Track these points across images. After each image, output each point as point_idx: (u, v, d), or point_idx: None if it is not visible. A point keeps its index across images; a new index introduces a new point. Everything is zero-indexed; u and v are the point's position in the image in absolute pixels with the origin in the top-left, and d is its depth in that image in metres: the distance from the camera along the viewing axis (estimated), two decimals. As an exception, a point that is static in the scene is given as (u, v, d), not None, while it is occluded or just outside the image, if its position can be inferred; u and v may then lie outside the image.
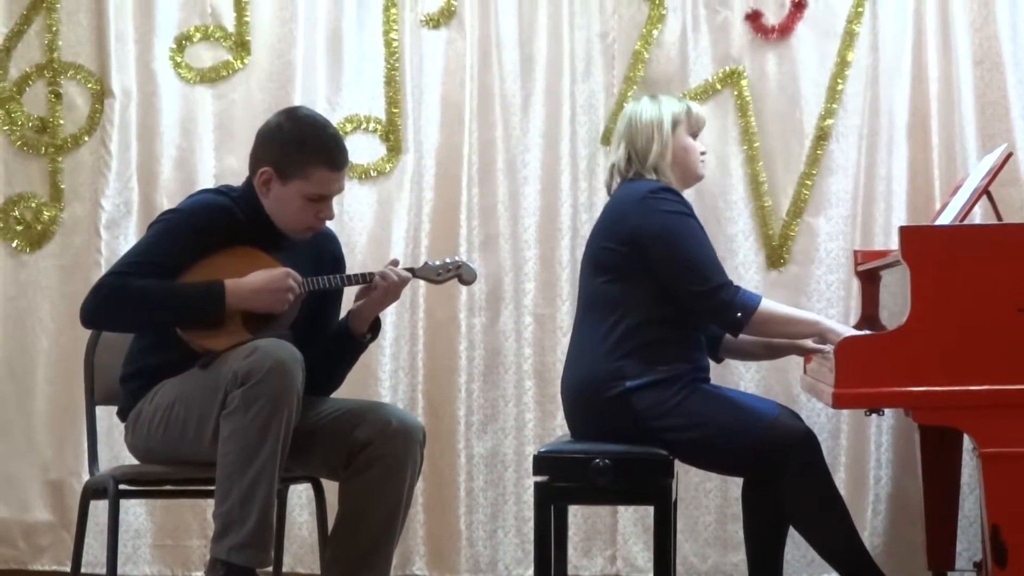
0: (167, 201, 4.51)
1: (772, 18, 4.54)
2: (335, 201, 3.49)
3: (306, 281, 3.38)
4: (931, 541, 4.10)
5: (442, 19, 4.65)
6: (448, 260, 3.57)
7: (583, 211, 4.56)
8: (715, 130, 4.46)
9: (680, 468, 3.65)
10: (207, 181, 4.59)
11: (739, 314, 3.42)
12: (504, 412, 4.56)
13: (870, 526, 4.36)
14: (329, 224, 3.54)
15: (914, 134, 4.46)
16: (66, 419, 4.59)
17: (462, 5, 4.63)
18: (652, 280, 3.50)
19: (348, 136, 4.51)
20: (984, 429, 3.13)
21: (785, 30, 4.53)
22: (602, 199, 4.53)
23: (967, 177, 3.93)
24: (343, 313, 3.60)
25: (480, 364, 4.56)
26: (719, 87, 4.54)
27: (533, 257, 4.58)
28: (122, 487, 3.45)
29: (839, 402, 3.20)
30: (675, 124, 3.64)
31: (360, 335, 3.53)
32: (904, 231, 3.23)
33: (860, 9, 4.49)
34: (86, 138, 4.70)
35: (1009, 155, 3.72)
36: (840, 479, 4.26)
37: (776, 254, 4.51)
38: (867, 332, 3.56)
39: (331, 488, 3.50)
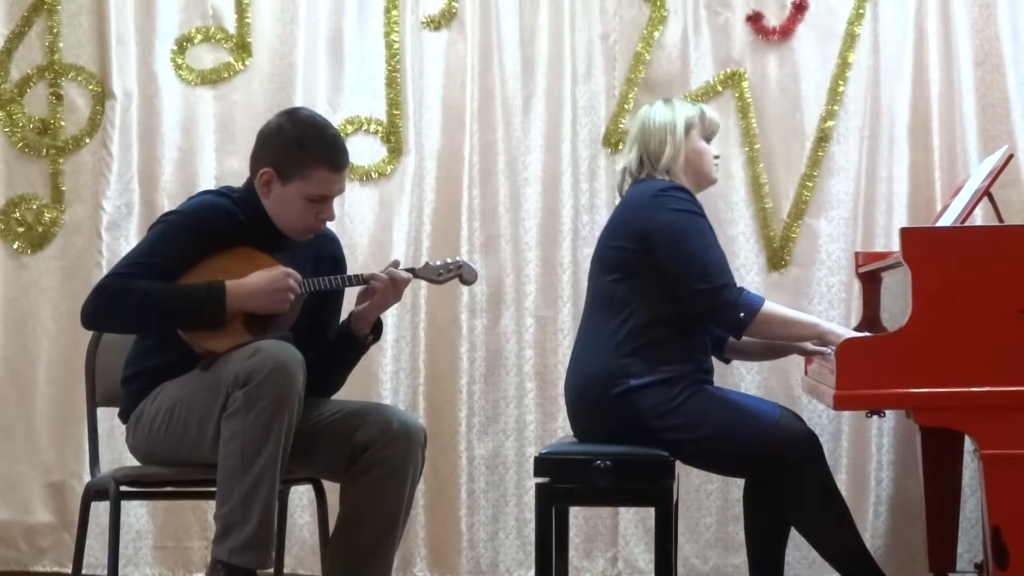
0: (168, 202, 4.51)
1: (773, 20, 4.55)
2: (336, 202, 3.49)
3: (306, 282, 3.38)
4: (932, 543, 4.10)
5: (443, 21, 4.65)
6: (449, 260, 3.57)
7: (584, 213, 4.56)
8: (716, 131, 4.47)
9: (681, 470, 3.65)
10: (208, 182, 4.59)
11: (742, 314, 3.43)
12: (505, 414, 4.56)
13: (871, 527, 4.36)
14: (330, 225, 3.54)
15: (915, 136, 4.46)
16: (67, 420, 4.59)
17: (463, 7, 4.63)
18: (660, 280, 3.50)
19: (349, 138, 4.51)
20: (985, 430, 3.13)
21: (786, 32, 4.54)
22: (603, 200, 4.56)
23: (968, 179, 3.92)
24: (345, 315, 3.60)
25: (481, 366, 4.56)
26: (720, 89, 4.54)
27: (534, 259, 4.58)
28: (123, 488, 3.44)
29: (840, 404, 3.20)
30: (688, 128, 3.65)
31: (362, 337, 3.52)
32: (905, 233, 3.22)
33: (861, 11, 4.49)
34: (87, 140, 4.70)
35: (1010, 157, 3.72)
36: (841, 481, 4.26)
37: (777, 256, 4.51)
38: (868, 334, 3.56)
39: (332, 489, 3.50)
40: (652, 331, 3.50)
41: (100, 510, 3.75)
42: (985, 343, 3.13)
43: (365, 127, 4.65)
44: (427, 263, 3.60)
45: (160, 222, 3.46)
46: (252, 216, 3.42)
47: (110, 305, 3.30)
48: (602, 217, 4.54)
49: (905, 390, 3.15)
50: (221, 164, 4.66)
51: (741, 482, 3.83)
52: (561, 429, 4.44)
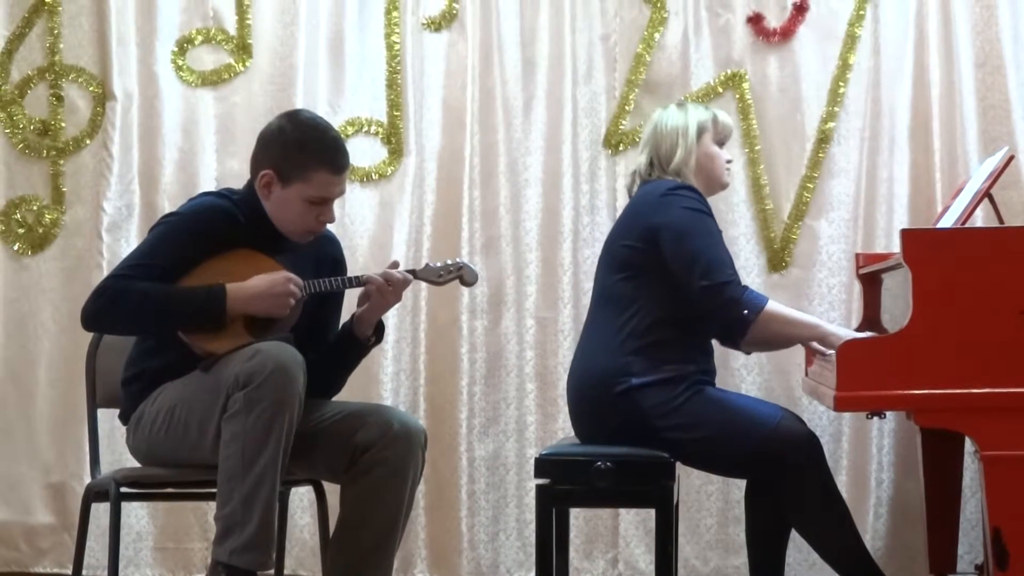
0: (168, 204, 4.51)
1: (774, 21, 4.55)
2: (336, 204, 3.49)
3: (307, 284, 3.38)
4: (932, 544, 4.09)
5: (443, 22, 4.65)
6: (449, 261, 3.57)
7: (585, 214, 4.56)
8: (717, 133, 4.47)
9: (681, 471, 3.65)
10: (208, 184, 4.59)
11: (746, 311, 3.43)
12: (506, 415, 4.56)
13: (871, 529, 4.36)
14: (331, 227, 3.54)
15: (916, 137, 4.46)
16: (68, 422, 4.59)
17: (463, 8, 4.63)
18: (667, 279, 3.50)
19: (349, 139, 4.51)
20: (986, 432, 3.13)
21: (787, 33, 4.54)
22: (604, 202, 4.56)
23: (969, 180, 3.92)
24: (345, 316, 3.60)
25: (482, 367, 4.56)
26: (720, 90, 4.55)
27: (535, 260, 4.58)
28: (124, 490, 3.44)
29: (841, 405, 3.20)
30: (701, 131, 3.66)
31: (364, 338, 3.52)
32: (906, 234, 3.22)
33: (862, 12, 4.49)
34: (88, 141, 4.70)
35: (1011, 158, 3.72)
36: (841, 482, 4.26)
37: (778, 257, 4.51)
38: (869, 334, 3.55)
39: (333, 491, 3.50)
40: (656, 331, 3.51)
41: (100, 511, 3.75)
42: (985, 344, 3.13)
43: (366, 128, 4.65)
44: (427, 264, 3.60)
45: (160, 223, 3.46)
46: (252, 218, 3.42)
47: (110, 306, 3.30)
48: (603, 218, 4.55)
49: (905, 391, 3.15)
50: (222, 165, 4.66)
51: (741, 483, 3.83)
52: (562, 430, 4.44)
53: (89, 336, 3.69)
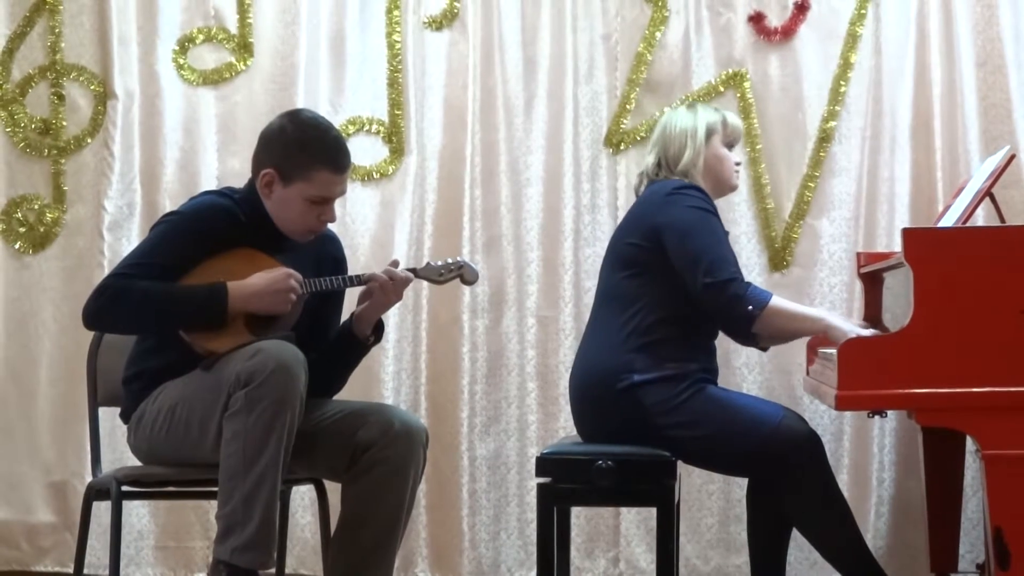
0: (170, 203, 4.51)
1: (775, 20, 4.55)
2: (337, 203, 3.49)
3: (308, 282, 3.38)
4: (934, 543, 4.09)
5: (445, 21, 4.65)
6: (450, 260, 3.57)
7: (586, 213, 4.56)
8: (718, 132, 4.47)
9: (683, 470, 3.65)
10: (210, 183, 4.59)
11: (750, 307, 3.43)
12: (507, 414, 4.56)
13: (873, 528, 4.36)
14: (331, 226, 3.54)
15: (917, 136, 4.46)
16: (69, 420, 4.59)
17: (465, 7, 4.63)
18: (671, 278, 3.51)
19: (351, 138, 4.51)
20: (987, 431, 3.12)
21: (788, 32, 4.54)
22: (605, 201, 4.56)
23: (970, 179, 3.92)
24: (346, 315, 3.60)
25: (483, 366, 4.56)
26: (722, 89, 4.55)
27: (536, 259, 4.58)
28: (125, 488, 3.44)
29: (842, 404, 3.20)
30: (710, 133, 3.66)
31: (364, 337, 3.52)
32: (907, 233, 3.22)
33: (863, 11, 4.49)
34: (89, 140, 4.70)
35: (1012, 157, 3.72)
36: (843, 481, 4.26)
37: (779, 256, 4.51)
38: (872, 330, 3.55)
39: (334, 489, 3.50)
40: (659, 328, 3.51)
41: (102, 510, 3.75)
42: (987, 343, 3.13)
43: (367, 127, 4.65)
44: (428, 263, 3.60)
45: (161, 222, 3.46)
46: (253, 217, 3.42)
47: (111, 305, 3.30)
48: (604, 217, 4.55)
49: (907, 390, 3.15)
50: (223, 164, 4.66)
51: (742, 482, 3.82)
52: (563, 429, 4.44)
53: (90, 335, 3.69)
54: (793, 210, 4.51)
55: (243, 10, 4.69)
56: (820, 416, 4.37)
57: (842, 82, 4.49)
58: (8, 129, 4.73)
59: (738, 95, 4.54)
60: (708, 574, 4.48)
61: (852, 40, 4.50)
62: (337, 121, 4.44)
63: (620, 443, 3.47)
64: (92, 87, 4.71)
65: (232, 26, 4.71)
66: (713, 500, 4.48)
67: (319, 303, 3.50)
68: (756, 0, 4.56)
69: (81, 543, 3.55)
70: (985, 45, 4.44)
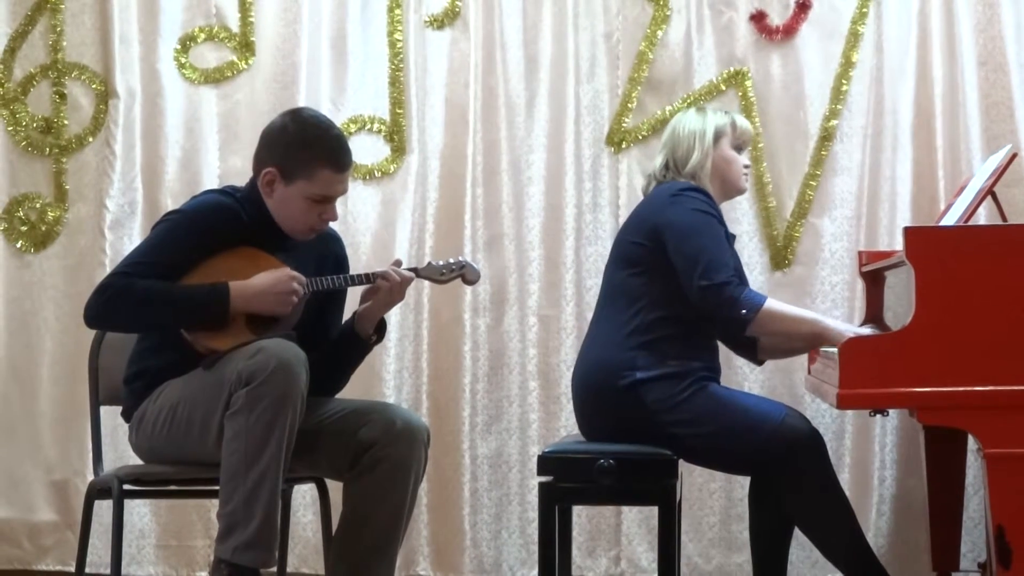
0: (171, 202, 4.52)
1: (776, 19, 4.54)
2: (339, 202, 3.49)
3: (310, 282, 3.38)
4: (935, 542, 4.09)
5: (446, 20, 4.65)
6: (452, 260, 3.58)
7: (587, 212, 4.56)
8: (719, 131, 4.47)
9: (684, 468, 3.65)
10: (211, 182, 4.59)
11: (744, 311, 3.43)
12: (508, 413, 4.56)
13: (874, 527, 4.36)
14: (333, 224, 3.54)
15: (918, 135, 4.46)
16: (70, 419, 4.60)
17: (466, 6, 4.63)
18: (673, 277, 3.52)
19: (352, 137, 4.51)
20: (989, 430, 3.12)
21: (789, 31, 4.53)
22: (606, 199, 4.56)
23: (972, 178, 3.92)
24: (348, 314, 3.60)
25: (484, 365, 4.56)
26: (723, 88, 4.54)
27: (537, 258, 4.58)
28: (126, 487, 3.44)
29: (843, 403, 3.19)
30: (718, 136, 3.67)
31: (366, 336, 3.52)
32: (908, 232, 3.22)
33: (864, 10, 4.49)
34: (90, 139, 4.70)
35: (1014, 156, 3.72)
36: (844, 480, 4.25)
37: (780, 255, 4.51)
38: (870, 330, 3.55)
39: (335, 488, 3.50)
40: (662, 326, 3.52)
41: (103, 509, 3.74)
42: (988, 342, 3.12)
43: (368, 126, 4.65)
44: (430, 263, 3.60)
45: (163, 221, 3.46)
46: (255, 216, 3.42)
47: (113, 304, 3.30)
48: (605, 216, 4.55)
49: (908, 389, 3.15)
50: (224, 163, 4.66)
51: (744, 481, 3.82)
52: (564, 428, 4.44)
53: (92, 334, 3.69)
54: (795, 209, 4.51)
55: (244, 9, 4.69)
56: (822, 415, 4.37)
57: (843, 81, 4.49)
58: (10, 128, 4.73)
59: (739, 94, 4.53)
60: (710, 573, 4.48)
61: (854, 39, 4.49)
62: (339, 120, 4.44)
63: (622, 440, 3.47)
64: (94, 86, 4.71)
65: (234, 25, 4.71)
66: (715, 499, 4.48)
67: (321, 302, 3.50)
68: (758, -1, 4.57)
69: (83, 542, 3.56)
70: (987, 44, 4.44)
